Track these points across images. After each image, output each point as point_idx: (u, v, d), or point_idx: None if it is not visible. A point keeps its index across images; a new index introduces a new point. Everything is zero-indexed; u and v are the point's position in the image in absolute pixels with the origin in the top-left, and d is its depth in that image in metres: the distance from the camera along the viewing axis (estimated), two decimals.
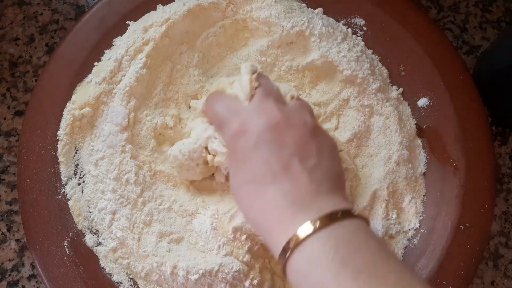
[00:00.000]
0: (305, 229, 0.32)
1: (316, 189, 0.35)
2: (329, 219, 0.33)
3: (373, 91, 0.51)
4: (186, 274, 0.44)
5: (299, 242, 0.32)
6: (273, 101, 0.39)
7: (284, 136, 0.37)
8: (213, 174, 0.49)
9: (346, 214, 0.33)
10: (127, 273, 0.47)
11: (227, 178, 0.47)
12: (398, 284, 0.30)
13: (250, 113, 0.38)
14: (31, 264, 0.53)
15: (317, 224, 0.32)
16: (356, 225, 0.33)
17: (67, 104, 0.51)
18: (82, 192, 0.49)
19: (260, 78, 0.41)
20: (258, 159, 0.36)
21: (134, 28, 0.52)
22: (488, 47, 0.61)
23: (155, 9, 0.54)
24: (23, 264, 0.53)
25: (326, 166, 0.37)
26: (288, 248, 0.33)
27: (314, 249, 0.32)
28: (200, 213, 0.48)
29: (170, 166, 0.49)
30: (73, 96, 0.51)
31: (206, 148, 0.45)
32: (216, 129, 0.44)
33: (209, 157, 0.45)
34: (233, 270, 0.44)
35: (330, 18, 0.54)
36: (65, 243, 0.47)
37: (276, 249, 0.34)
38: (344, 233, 0.32)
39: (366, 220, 0.34)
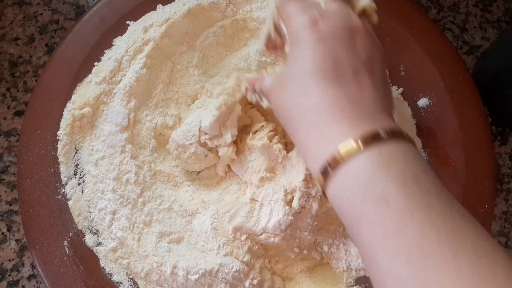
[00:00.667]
0: (367, 138, 0.29)
1: (380, 105, 0.33)
2: (392, 134, 0.30)
3: None
4: (186, 274, 0.44)
5: (353, 154, 0.29)
6: (351, 10, 0.37)
7: (357, 42, 0.35)
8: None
9: (403, 135, 0.31)
10: (127, 273, 0.47)
11: (227, 171, 0.48)
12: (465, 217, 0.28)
13: (328, 11, 0.36)
14: (31, 264, 0.53)
15: (384, 134, 0.30)
16: (413, 149, 0.31)
17: (67, 104, 0.51)
18: (82, 192, 0.49)
19: None
20: (326, 52, 0.34)
21: (134, 28, 0.53)
22: (488, 47, 0.61)
23: (155, 9, 0.54)
24: (23, 264, 0.53)
25: (385, 87, 0.35)
26: (339, 160, 0.30)
27: (383, 157, 0.29)
28: (200, 213, 0.48)
29: (171, 158, 0.50)
30: (73, 96, 0.51)
31: (199, 145, 0.47)
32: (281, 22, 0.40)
33: (202, 137, 0.46)
34: (233, 270, 0.44)
35: None
36: (65, 243, 0.47)
37: (317, 159, 0.31)
38: (410, 150, 0.30)
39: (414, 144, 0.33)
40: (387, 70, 0.54)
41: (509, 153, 0.59)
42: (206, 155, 0.48)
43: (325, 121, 0.32)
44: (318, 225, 0.46)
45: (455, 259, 0.25)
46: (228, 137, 0.46)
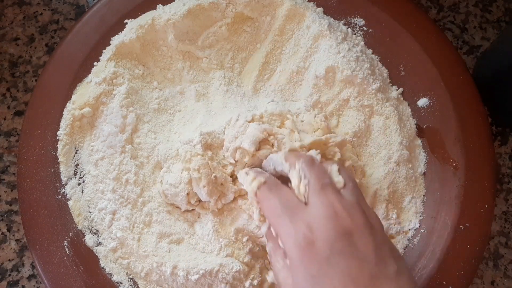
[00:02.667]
0: None
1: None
2: None
3: (373, 91, 0.51)
4: (186, 274, 0.44)
5: None
6: (334, 196, 0.36)
7: (357, 243, 0.34)
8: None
9: None
10: (127, 273, 0.47)
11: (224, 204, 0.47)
12: None
13: (314, 216, 0.35)
14: (31, 264, 0.53)
15: None
16: None
17: (67, 104, 0.51)
18: (82, 192, 0.49)
19: (308, 162, 0.38)
20: (337, 275, 0.33)
21: (131, 26, 0.53)
22: (488, 47, 0.61)
23: (155, 9, 0.54)
24: (23, 264, 0.53)
25: (401, 266, 0.35)
26: None
27: None
28: (201, 217, 0.48)
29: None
30: (73, 96, 0.51)
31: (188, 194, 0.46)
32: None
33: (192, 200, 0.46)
34: (233, 270, 0.44)
35: (330, 18, 0.54)
36: (65, 243, 0.47)
37: None
38: None
39: None
40: (387, 70, 0.54)
41: (509, 153, 0.59)
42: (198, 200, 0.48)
43: None
44: None
45: None
46: (212, 203, 0.46)
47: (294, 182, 0.38)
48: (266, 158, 0.44)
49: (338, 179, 0.38)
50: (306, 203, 0.36)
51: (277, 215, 0.37)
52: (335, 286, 0.33)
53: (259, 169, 0.43)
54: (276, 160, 0.41)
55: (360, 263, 0.33)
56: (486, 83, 0.57)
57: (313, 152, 0.42)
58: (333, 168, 0.39)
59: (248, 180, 0.40)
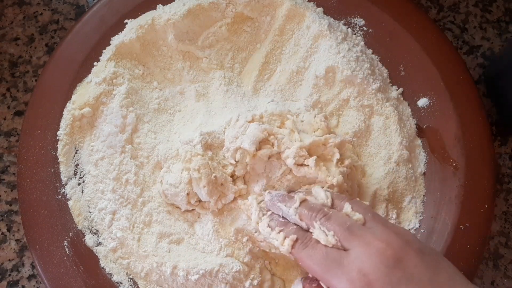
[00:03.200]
0: None
1: None
2: None
3: (373, 91, 0.51)
4: (186, 275, 0.44)
5: None
6: (364, 233, 0.37)
7: (408, 267, 0.35)
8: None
9: None
10: (127, 273, 0.47)
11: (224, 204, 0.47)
12: None
13: (359, 259, 0.36)
14: (31, 264, 0.53)
15: None
16: None
17: (67, 104, 0.51)
18: (82, 192, 0.49)
19: (324, 217, 0.39)
20: None
21: (131, 26, 0.53)
22: (501, 47, 0.60)
23: (155, 9, 0.54)
24: (23, 264, 0.53)
25: (447, 267, 0.37)
26: None
27: None
28: (201, 217, 0.48)
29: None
30: (73, 96, 0.51)
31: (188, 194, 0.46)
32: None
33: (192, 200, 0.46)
34: (233, 270, 0.44)
35: (330, 18, 0.54)
36: (65, 243, 0.47)
37: None
38: None
39: None
40: (387, 70, 0.54)
41: (509, 153, 0.59)
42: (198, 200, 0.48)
43: None
44: None
45: None
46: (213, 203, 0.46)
47: (322, 238, 0.38)
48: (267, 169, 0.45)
49: (357, 217, 0.39)
50: (344, 250, 0.37)
51: (326, 270, 0.37)
52: None
53: (280, 219, 0.43)
54: (289, 216, 0.41)
55: (418, 285, 0.34)
56: (496, 83, 0.56)
57: (300, 195, 0.42)
58: (347, 209, 0.40)
59: (279, 239, 0.41)
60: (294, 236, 0.40)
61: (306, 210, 0.41)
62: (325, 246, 0.38)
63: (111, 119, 0.49)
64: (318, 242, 0.39)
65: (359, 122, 0.51)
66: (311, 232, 0.40)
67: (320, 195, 0.42)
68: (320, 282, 0.39)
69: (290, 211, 0.41)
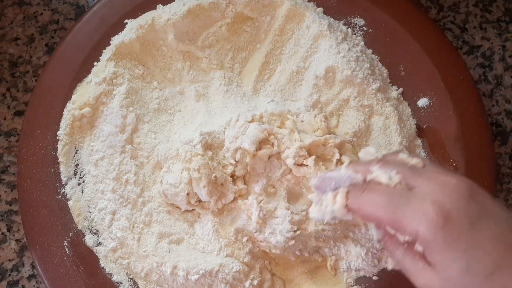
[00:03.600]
0: None
1: None
2: None
3: (373, 91, 0.51)
4: (186, 274, 0.44)
5: None
6: (428, 173, 0.34)
7: (483, 202, 0.32)
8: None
9: None
10: (127, 273, 0.47)
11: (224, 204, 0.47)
12: None
13: (431, 192, 0.32)
14: (31, 264, 0.53)
15: None
16: None
17: (67, 104, 0.51)
18: (82, 192, 0.49)
19: (379, 162, 0.35)
20: (486, 239, 0.31)
21: (131, 26, 0.53)
22: None
23: (155, 8, 0.54)
24: (23, 264, 0.53)
25: None
26: None
27: None
28: (201, 217, 0.48)
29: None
30: (73, 96, 0.51)
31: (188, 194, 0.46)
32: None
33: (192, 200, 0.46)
34: (233, 270, 0.44)
35: (330, 18, 0.54)
36: (65, 243, 0.47)
37: None
38: None
39: None
40: (387, 70, 0.54)
41: (509, 153, 0.59)
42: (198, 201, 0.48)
43: None
44: (321, 236, 0.47)
45: None
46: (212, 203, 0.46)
47: (384, 177, 0.34)
48: (298, 173, 0.44)
49: (416, 161, 0.36)
50: (409, 189, 0.33)
51: (393, 211, 0.32)
52: (489, 252, 0.30)
53: (325, 181, 0.38)
54: (341, 176, 0.37)
55: (496, 221, 0.32)
56: None
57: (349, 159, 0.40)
58: (404, 156, 0.37)
59: (329, 200, 0.36)
60: (345, 189, 0.35)
61: (359, 164, 0.37)
62: (383, 186, 0.34)
63: (111, 119, 0.49)
64: (378, 184, 0.34)
65: (359, 122, 0.51)
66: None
67: (370, 151, 0.40)
68: (387, 228, 0.33)
69: (342, 169, 0.37)
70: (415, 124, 0.53)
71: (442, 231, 0.31)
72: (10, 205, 0.55)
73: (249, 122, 0.47)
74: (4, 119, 0.58)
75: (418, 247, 0.32)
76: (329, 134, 0.47)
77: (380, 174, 0.35)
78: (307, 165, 0.45)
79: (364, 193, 0.35)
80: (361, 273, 0.48)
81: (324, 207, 0.37)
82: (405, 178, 0.34)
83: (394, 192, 0.33)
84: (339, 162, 0.46)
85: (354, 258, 0.47)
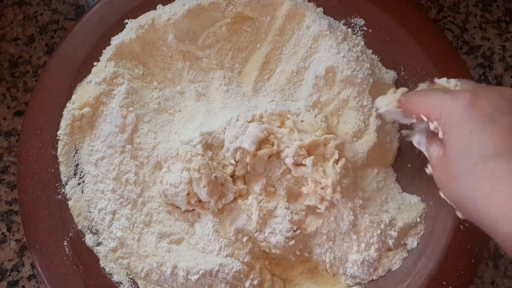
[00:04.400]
0: None
1: None
2: None
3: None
4: (186, 274, 0.44)
5: None
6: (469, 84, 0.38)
7: None
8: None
9: None
10: (127, 273, 0.47)
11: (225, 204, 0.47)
12: None
13: (473, 85, 0.37)
14: (31, 264, 0.53)
15: None
16: None
17: (67, 104, 0.51)
18: (82, 192, 0.49)
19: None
20: (499, 130, 0.33)
21: (131, 26, 0.53)
22: None
23: (155, 9, 0.54)
24: (23, 264, 0.53)
25: None
26: None
27: None
28: (201, 217, 0.48)
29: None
30: (73, 96, 0.51)
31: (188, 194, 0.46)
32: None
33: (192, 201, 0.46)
34: (233, 270, 0.44)
35: (330, 18, 0.54)
36: (65, 243, 0.47)
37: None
38: None
39: None
40: (387, 70, 0.54)
41: None
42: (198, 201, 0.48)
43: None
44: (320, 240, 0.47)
45: None
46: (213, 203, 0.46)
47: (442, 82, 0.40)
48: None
49: (453, 82, 0.39)
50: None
51: (436, 99, 0.37)
52: (495, 139, 0.32)
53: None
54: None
55: None
56: None
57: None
58: (442, 81, 0.41)
59: (390, 92, 0.42)
60: (405, 89, 0.42)
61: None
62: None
63: (111, 119, 0.49)
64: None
65: (359, 122, 0.51)
66: None
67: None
68: (430, 123, 0.37)
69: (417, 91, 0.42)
70: None
71: (463, 110, 0.34)
72: (10, 205, 0.55)
73: (249, 122, 0.47)
74: (4, 119, 0.58)
75: (435, 126, 0.36)
76: (329, 134, 0.47)
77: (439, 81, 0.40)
78: (305, 165, 0.45)
79: (418, 92, 0.40)
80: (357, 280, 0.48)
81: (385, 97, 0.42)
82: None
83: (441, 89, 0.38)
84: (337, 162, 0.46)
85: (350, 265, 0.47)
